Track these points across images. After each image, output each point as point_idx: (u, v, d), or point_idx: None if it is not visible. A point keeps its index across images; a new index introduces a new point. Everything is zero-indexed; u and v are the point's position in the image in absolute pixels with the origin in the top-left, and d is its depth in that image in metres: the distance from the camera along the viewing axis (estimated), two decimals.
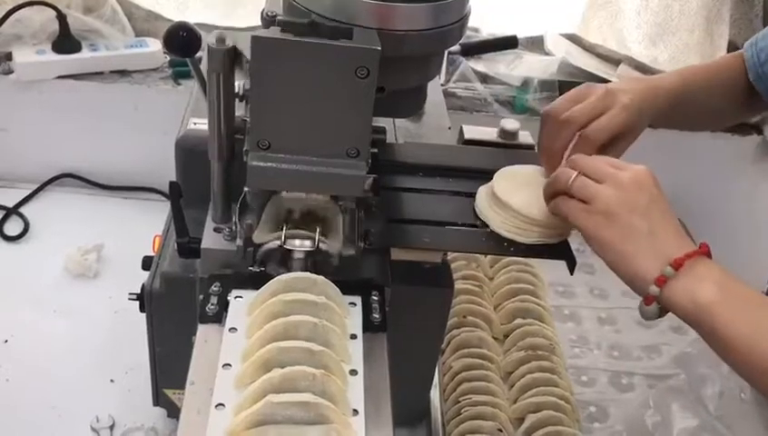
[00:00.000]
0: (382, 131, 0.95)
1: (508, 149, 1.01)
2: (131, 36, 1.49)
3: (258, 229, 0.79)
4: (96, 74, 1.44)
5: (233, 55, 0.71)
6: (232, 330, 0.71)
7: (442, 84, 1.49)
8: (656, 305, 0.72)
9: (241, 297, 0.74)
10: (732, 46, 1.52)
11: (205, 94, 0.76)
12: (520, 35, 1.61)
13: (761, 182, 1.58)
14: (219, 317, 0.74)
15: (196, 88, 0.93)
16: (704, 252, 0.71)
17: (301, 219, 0.81)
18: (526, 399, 1.06)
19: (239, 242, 0.78)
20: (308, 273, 0.73)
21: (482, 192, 0.87)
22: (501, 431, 1.02)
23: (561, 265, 0.83)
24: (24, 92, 1.43)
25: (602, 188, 0.74)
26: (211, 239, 0.83)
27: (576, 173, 0.76)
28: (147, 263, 0.96)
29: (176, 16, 1.48)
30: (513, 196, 0.83)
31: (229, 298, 0.75)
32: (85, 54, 1.42)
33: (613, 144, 0.86)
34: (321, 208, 0.81)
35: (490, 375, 1.08)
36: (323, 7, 0.72)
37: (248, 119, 0.75)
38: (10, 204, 1.46)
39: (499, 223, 0.84)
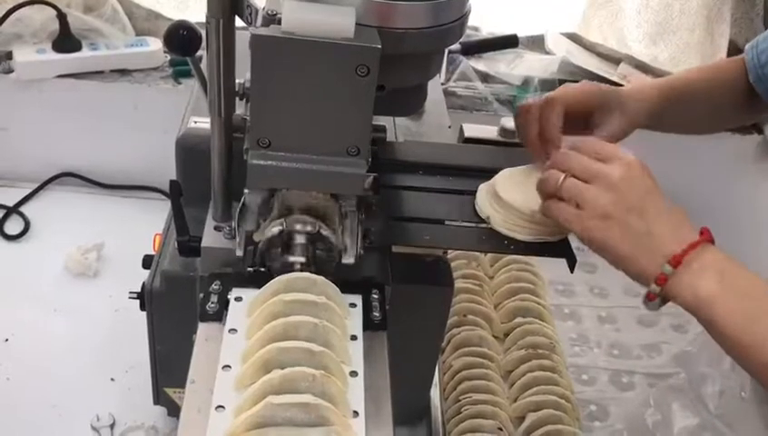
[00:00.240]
0: (382, 129, 0.95)
1: (508, 148, 1.01)
2: (131, 35, 1.49)
3: (258, 231, 0.79)
4: (96, 73, 1.45)
5: (234, 1, 0.71)
6: (232, 331, 0.71)
7: (442, 83, 1.49)
8: (659, 300, 0.72)
9: (240, 299, 0.74)
10: (732, 46, 1.52)
11: (205, 93, 0.76)
12: (521, 34, 1.61)
13: (761, 181, 1.58)
14: (219, 316, 0.74)
15: (196, 87, 0.93)
16: (705, 239, 0.70)
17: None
18: (527, 397, 1.06)
19: (239, 252, 0.78)
20: (308, 274, 0.73)
21: (482, 189, 0.87)
22: (501, 429, 1.02)
23: (561, 264, 0.83)
24: (25, 91, 1.43)
25: (593, 191, 0.73)
26: (211, 237, 0.83)
27: (563, 175, 0.75)
28: (147, 262, 0.96)
29: (176, 15, 1.48)
30: (513, 194, 0.83)
31: (229, 297, 0.75)
32: (86, 53, 1.43)
33: (600, 124, 0.87)
34: (322, 206, 0.80)
35: (490, 374, 1.09)
36: None
37: (248, 117, 0.75)
38: (10, 203, 1.46)
39: (500, 221, 0.84)
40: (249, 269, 0.79)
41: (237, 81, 0.75)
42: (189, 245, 0.83)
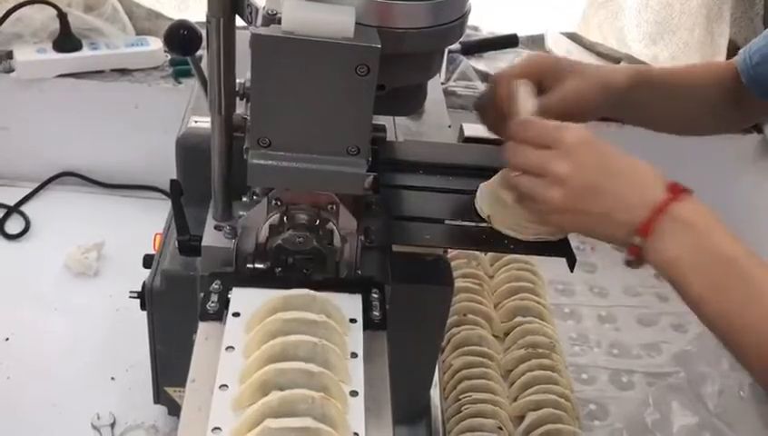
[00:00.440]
0: (382, 129, 0.95)
1: None
2: (131, 35, 1.49)
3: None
4: (97, 72, 1.45)
5: (234, 0, 0.71)
6: (229, 348, 0.70)
7: (442, 83, 1.49)
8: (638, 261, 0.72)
9: (238, 314, 0.73)
10: (732, 45, 1.52)
11: (206, 93, 0.76)
12: (521, 34, 1.61)
13: (762, 180, 1.58)
14: (219, 315, 0.74)
15: (197, 87, 0.93)
16: (672, 198, 0.70)
17: None
18: (527, 397, 1.06)
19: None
20: (307, 290, 0.72)
21: (483, 189, 0.87)
22: (501, 429, 1.02)
23: (561, 263, 0.83)
24: (25, 90, 1.43)
25: (543, 187, 0.73)
26: (211, 237, 0.83)
27: (516, 173, 0.75)
28: (148, 261, 0.97)
29: (177, 15, 1.48)
30: (513, 193, 0.83)
31: (229, 296, 0.75)
32: (86, 52, 1.43)
33: (549, 88, 0.85)
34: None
35: (490, 373, 1.09)
36: None
37: (248, 117, 0.75)
38: (11, 203, 1.46)
39: (500, 221, 0.84)
40: (248, 266, 0.79)
41: (237, 80, 0.75)
42: (189, 245, 0.83)
